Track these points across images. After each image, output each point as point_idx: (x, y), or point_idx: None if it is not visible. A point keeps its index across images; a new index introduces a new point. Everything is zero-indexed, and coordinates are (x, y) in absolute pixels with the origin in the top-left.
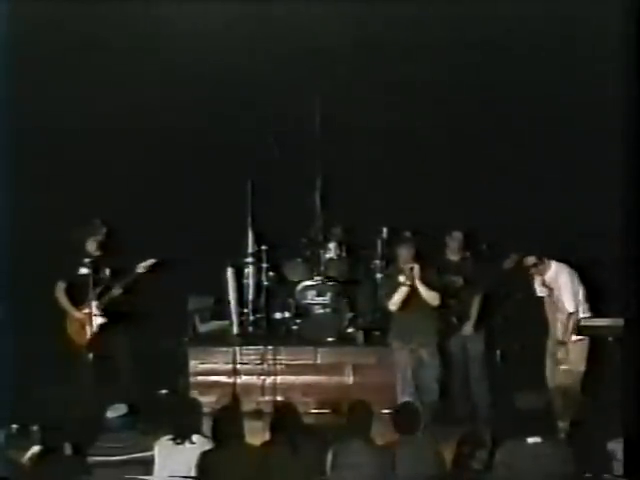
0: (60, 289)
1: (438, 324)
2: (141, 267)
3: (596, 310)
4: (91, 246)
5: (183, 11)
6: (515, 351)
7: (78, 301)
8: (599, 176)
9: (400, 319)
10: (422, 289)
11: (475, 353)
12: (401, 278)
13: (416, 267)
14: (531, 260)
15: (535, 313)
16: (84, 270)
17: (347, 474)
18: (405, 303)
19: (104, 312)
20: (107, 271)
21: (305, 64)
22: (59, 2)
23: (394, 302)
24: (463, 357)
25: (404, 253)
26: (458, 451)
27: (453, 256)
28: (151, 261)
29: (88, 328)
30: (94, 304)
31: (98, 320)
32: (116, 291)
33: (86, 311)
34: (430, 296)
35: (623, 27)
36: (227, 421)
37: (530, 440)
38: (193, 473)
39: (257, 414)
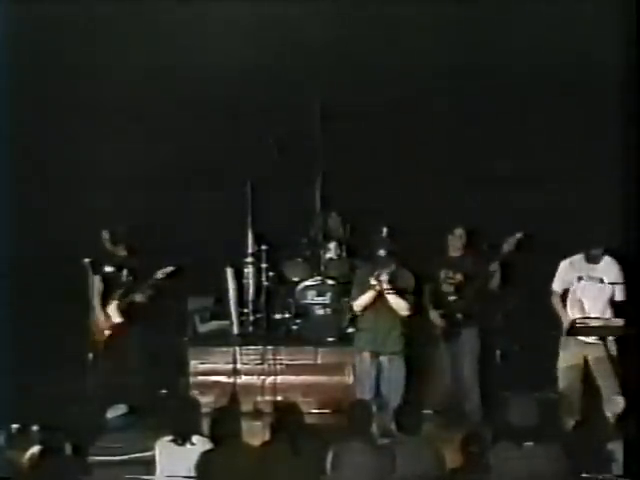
0: (97, 284)
1: (406, 331)
2: (159, 274)
3: None
4: (118, 248)
5: (183, 11)
6: (515, 351)
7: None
8: (599, 175)
9: (368, 323)
10: (391, 297)
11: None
12: (372, 281)
13: (384, 276)
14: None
15: (535, 312)
16: (109, 269)
17: (347, 474)
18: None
19: (124, 312)
20: (125, 272)
21: (305, 64)
22: (59, 2)
23: (359, 303)
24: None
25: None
26: (464, 451)
27: (454, 253)
28: (170, 268)
29: (107, 326)
30: (114, 303)
31: (116, 319)
32: (138, 297)
33: (108, 309)
34: (399, 305)
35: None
36: (227, 421)
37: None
38: (193, 474)
39: (257, 414)
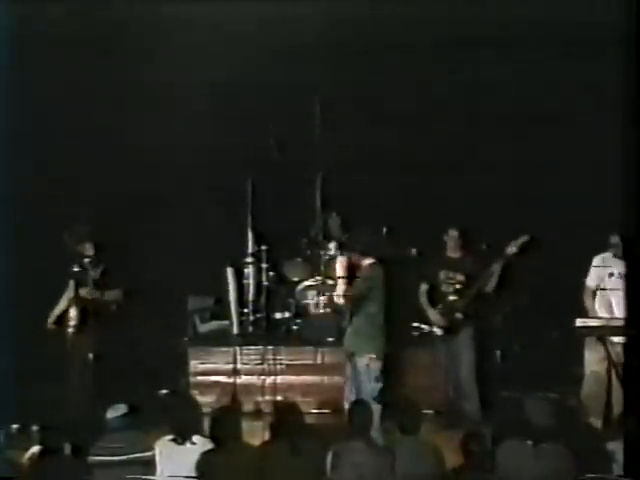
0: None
1: (385, 333)
2: (110, 296)
3: None
4: (87, 247)
5: (182, 11)
6: (515, 351)
7: None
8: (599, 174)
9: (349, 323)
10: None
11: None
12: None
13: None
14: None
15: (535, 312)
16: (76, 268)
17: (347, 474)
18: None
19: (82, 311)
20: (92, 273)
21: (305, 64)
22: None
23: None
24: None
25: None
26: (464, 451)
27: (453, 254)
28: (120, 295)
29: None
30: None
31: (72, 321)
32: (109, 295)
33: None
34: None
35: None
36: (227, 421)
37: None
38: (194, 474)
39: (257, 414)
